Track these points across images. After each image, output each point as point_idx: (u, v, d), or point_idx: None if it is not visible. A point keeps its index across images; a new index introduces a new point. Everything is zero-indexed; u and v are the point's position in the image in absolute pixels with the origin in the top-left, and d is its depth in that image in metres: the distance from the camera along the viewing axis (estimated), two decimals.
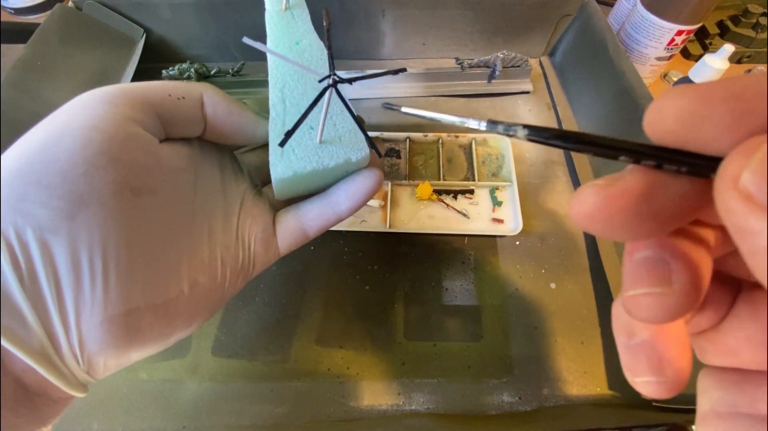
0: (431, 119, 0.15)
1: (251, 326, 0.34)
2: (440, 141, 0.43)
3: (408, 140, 0.43)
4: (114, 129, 0.16)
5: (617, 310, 0.13)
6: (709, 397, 0.12)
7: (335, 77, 0.18)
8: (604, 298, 0.35)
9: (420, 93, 0.48)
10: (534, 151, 0.44)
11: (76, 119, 0.16)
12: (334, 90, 0.19)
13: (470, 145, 0.43)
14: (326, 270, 0.37)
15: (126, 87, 0.18)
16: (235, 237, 0.21)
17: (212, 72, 0.47)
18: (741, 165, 0.08)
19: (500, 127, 0.12)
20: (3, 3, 0.48)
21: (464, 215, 0.39)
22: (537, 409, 0.31)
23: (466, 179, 0.41)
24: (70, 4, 0.45)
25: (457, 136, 0.43)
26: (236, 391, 0.32)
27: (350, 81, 0.19)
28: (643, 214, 0.10)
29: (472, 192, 0.40)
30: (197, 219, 0.19)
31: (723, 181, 0.08)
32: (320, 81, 0.19)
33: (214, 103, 0.20)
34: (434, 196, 0.39)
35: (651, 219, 0.10)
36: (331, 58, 0.19)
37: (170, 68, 0.46)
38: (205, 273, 0.19)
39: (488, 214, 0.39)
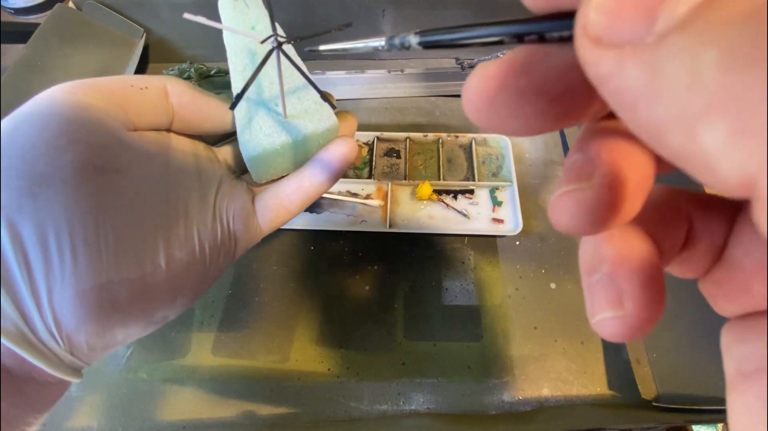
0: (344, 50, 0.15)
1: (251, 326, 0.34)
2: (440, 141, 0.43)
3: (408, 140, 0.43)
4: (73, 113, 0.17)
5: (581, 250, 0.11)
6: (732, 357, 0.10)
7: (278, 38, 0.18)
8: None
9: (420, 93, 0.48)
10: (534, 151, 0.44)
11: (36, 107, 0.17)
12: (280, 52, 0.18)
13: (470, 144, 0.43)
14: (326, 270, 0.37)
15: (86, 80, 0.19)
16: (212, 215, 0.21)
17: (212, 72, 0.47)
18: (586, 9, 0.07)
19: (396, 40, 0.11)
20: (3, 3, 0.48)
21: (464, 215, 0.39)
22: (537, 409, 0.31)
23: (466, 179, 0.41)
24: (70, 4, 0.45)
25: (457, 136, 0.43)
26: (236, 391, 0.32)
27: (293, 41, 0.19)
28: (526, 90, 0.09)
29: (472, 192, 0.40)
30: (171, 198, 0.20)
31: (576, 33, 0.07)
32: (262, 42, 0.18)
33: (179, 93, 0.21)
34: (434, 196, 0.39)
35: (535, 95, 0.09)
36: (272, 18, 0.19)
37: (170, 68, 0.46)
38: (182, 248, 0.19)
39: (488, 214, 0.39)
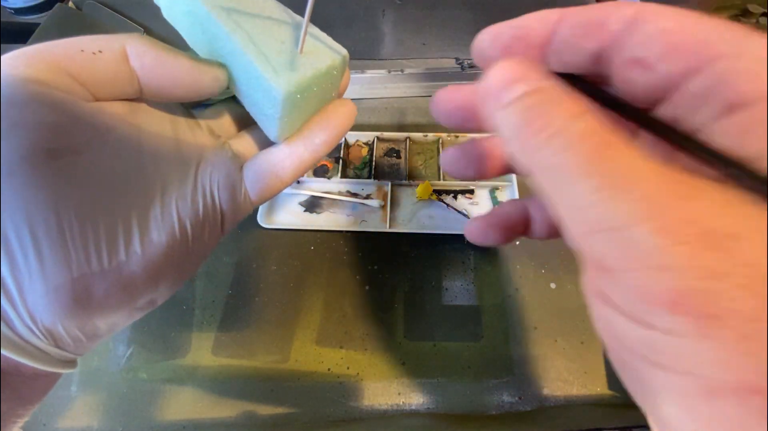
0: None
1: (251, 326, 0.34)
2: (440, 141, 0.43)
3: (408, 140, 0.43)
4: (11, 91, 0.15)
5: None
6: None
7: None
8: None
9: (420, 93, 0.48)
10: None
11: None
12: None
13: None
14: (326, 270, 0.37)
15: (27, 48, 0.16)
16: (192, 188, 0.19)
17: None
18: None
19: None
20: (3, 3, 0.48)
21: (464, 215, 0.39)
22: (537, 409, 0.31)
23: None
24: (70, 4, 0.45)
25: (457, 136, 0.43)
26: (236, 391, 0.32)
27: None
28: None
29: (472, 192, 0.40)
30: (145, 175, 0.18)
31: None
32: None
33: (140, 54, 0.18)
34: (434, 196, 0.39)
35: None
36: None
37: None
38: (159, 229, 0.18)
39: None
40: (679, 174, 0.09)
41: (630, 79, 0.13)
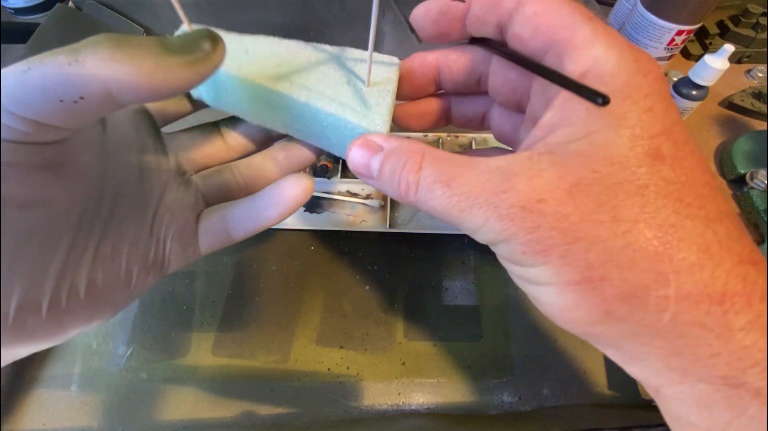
0: None
1: (251, 326, 0.34)
2: (440, 141, 0.43)
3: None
4: None
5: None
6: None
7: None
8: None
9: None
10: None
11: None
12: None
13: (470, 145, 0.43)
14: (326, 270, 0.37)
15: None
16: (148, 233, 0.19)
17: None
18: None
19: None
20: (3, 3, 0.48)
21: None
22: (537, 409, 0.31)
23: None
24: (70, 4, 0.45)
25: (457, 136, 0.43)
26: (236, 391, 0.32)
27: None
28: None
29: None
30: (102, 219, 0.17)
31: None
32: None
33: (127, 90, 0.14)
34: None
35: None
36: None
37: None
38: (106, 272, 0.17)
39: None
40: (492, 163, 0.15)
41: (516, 46, 0.17)
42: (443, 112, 0.24)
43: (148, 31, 0.48)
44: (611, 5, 0.53)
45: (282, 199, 0.21)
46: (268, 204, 0.21)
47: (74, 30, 0.43)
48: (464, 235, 0.38)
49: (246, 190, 0.23)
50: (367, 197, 0.40)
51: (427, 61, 0.22)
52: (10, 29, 0.46)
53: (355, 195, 0.40)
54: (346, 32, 0.48)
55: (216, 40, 0.16)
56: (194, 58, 0.15)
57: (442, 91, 0.24)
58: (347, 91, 0.20)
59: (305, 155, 0.23)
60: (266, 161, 0.23)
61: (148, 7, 0.46)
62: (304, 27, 0.48)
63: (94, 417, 0.31)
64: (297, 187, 0.20)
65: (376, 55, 0.21)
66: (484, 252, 0.38)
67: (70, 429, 0.30)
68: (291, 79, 0.20)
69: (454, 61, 0.21)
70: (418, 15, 0.19)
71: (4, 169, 0.14)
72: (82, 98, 0.14)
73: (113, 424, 0.30)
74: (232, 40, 0.20)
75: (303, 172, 0.22)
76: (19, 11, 0.49)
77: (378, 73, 0.20)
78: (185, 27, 0.20)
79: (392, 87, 0.20)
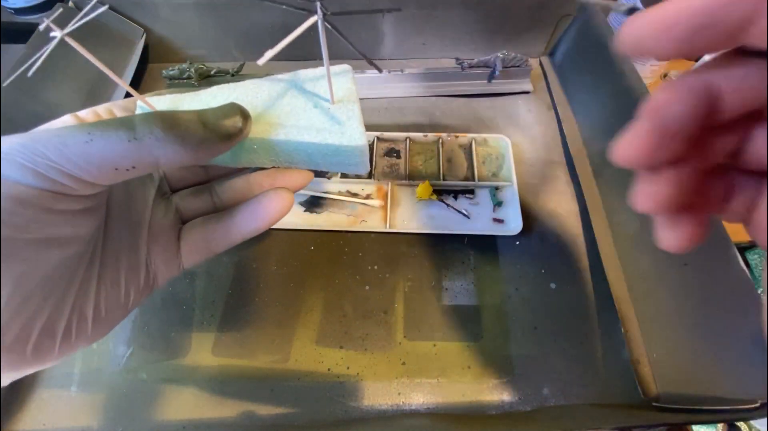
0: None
1: (251, 326, 0.34)
2: (440, 141, 0.43)
3: (408, 140, 0.43)
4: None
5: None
6: None
7: (323, 8, 0.16)
8: (604, 298, 0.35)
9: (420, 93, 0.48)
10: (534, 151, 0.44)
11: None
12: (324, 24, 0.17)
13: (470, 145, 0.43)
14: (326, 270, 0.37)
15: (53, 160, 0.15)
16: (140, 257, 0.20)
17: (212, 72, 0.47)
18: None
19: None
20: (3, 3, 0.48)
21: (464, 215, 0.39)
22: (537, 409, 0.31)
23: (466, 179, 0.41)
24: (70, 4, 0.45)
25: (456, 136, 0.43)
26: (236, 391, 0.32)
27: (342, 14, 0.17)
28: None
29: (472, 192, 0.40)
30: (99, 244, 0.19)
31: None
32: (299, 9, 0.17)
33: (173, 161, 0.16)
34: (434, 196, 0.39)
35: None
36: None
37: (170, 68, 0.46)
38: (108, 297, 0.19)
39: (488, 214, 0.39)
40: None
41: None
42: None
43: (148, 31, 0.48)
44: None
45: (262, 215, 0.21)
46: (250, 218, 0.21)
47: (74, 30, 0.43)
48: (464, 235, 0.38)
49: (224, 209, 0.24)
50: (367, 197, 0.40)
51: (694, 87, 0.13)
52: (10, 29, 0.46)
53: (355, 195, 0.40)
54: (346, 32, 0.48)
55: (246, 116, 0.18)
56: (230, 134, 0.17)
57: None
58: (317, 115, 0.20)
59: (295, 181, 0.23)
60: (250, 186, 0.23)
61: (148, 7, 0.46)
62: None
63: (94, 417, 0.31)
64: (278, 202, 0.21)
65: (329, 68, 0.21)
66: (484, 252, 0.38)
67: (70, 429, 0.30)
68: (262, 120, 0.20)
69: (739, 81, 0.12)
70: (643, 28, 0.12)
71: (52, 216, 0.15)
72: (134, 167, 0.16)
73: (113, 424, 0.30)
74: (192, 100, 0.21)
75: (284, 189, 0.22)
76: (19, 11, 0.49)
77: (337, 86, 0.21)
78: (141, 103, 0.20)
79: (355, 97, 0.21)
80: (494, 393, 0.31)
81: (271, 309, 0.35)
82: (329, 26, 0.17)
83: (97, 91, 0.44)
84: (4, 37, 0.46)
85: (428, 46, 0.50)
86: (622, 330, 0.33)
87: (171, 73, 0.46)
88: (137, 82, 0.48)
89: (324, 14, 0.17)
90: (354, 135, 0.19)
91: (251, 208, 0.21)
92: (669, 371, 0.31)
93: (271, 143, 0.20)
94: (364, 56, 0.19)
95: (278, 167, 0.22)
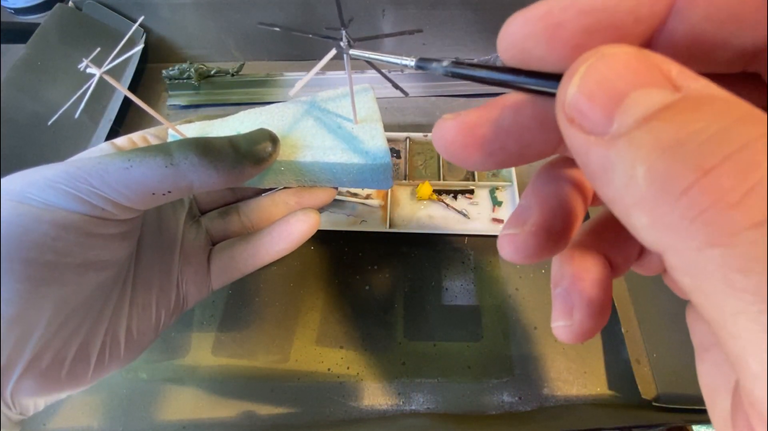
0: (375, 59, 0.16)
1: (251, 326, 0.34)
2: None
3: (408, 140, 0.43)
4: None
5: (552, 266, 0.14)
6: (694, 333, 0.12)
7: (347, 37, 0.17)
8: None
9: (420, 93, 0.48)
10: None
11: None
12: (347, 55, 0.17)
13: None
14: (326, 270, 0.37)
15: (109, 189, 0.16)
16: (172, 281, 0.21)
17: (212, 72, 0.47)
18: (565, 87, 0.08)
19: (429, 64, 0.13)
20: (3, 3, 0.48)
21: (464, 215, 0.39)
22: (537, 409, 0.31)
23: (466, 179, 0.41)
24: (70, 4, 0.45)
25: None
26: (236, 391, 0.32)
27: (358, 40, 0.18)
28: (499, 138, 0.11)
29: (472, 192, 0.40)
30: (131, 267, 0.19)
31: (557, 104, 0.09)
32: (326, 38, 0.17)
33: (207, 186, 0.17)
34: (434, 196, 0.39)
35: (509, 141, 0.11)
36: (340, 10, 0.18)
37: (170, 68, 0.46)
38: (140, 320, 0.19)
39: (488, 213, 0.39)
40: None
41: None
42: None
43: (148, 31, 0.48)
44: None
45: (290, 235, 0.22)
46: (278, 239, 0.22)
47: (74, 30, 0.43)
48: (464, 235, 0.38)
49: (251, 229, 0.24)
50: (367, 197, 0.40)
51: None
52: (10, 29, 0.46)
53: (355, 195, 0.40)
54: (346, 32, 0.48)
55: (275, 141, 0.19)
56: (260, 158, 0.18)
57: None
58: (342, 135, 0.21)
59: (320, 198, 0.24)
60: (276, 205, 0.24)
61: (148, 7, 0.46)
62: (304, 27, 0.48)
63: (94, 417, 0.31)
64: (305, 223, 0.22)
65: (352, 86, 0.22)
66: (484, 252, 0.38)
67: (70, 429, 0.30)
68: (288, 143, 0.21)
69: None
70: (518, 32, 0.10)
71: (92, 240, 0.16)
72: (170, 192, 0.17)
73: (113, 424, 0.30)
74: (220, 126, 0.22)
75: (311, 210, 0.23)
76: (19, 11, 0.49)
77: (359, 106, 0.22)
78: (172, 132, 0.21)
79: (377, 115, 0.21)
80: (494, 393, 0.31)
81: (271, 309, 0.35)
82: (355, 54, 0.18)
83: (96, 92, 0.44)
84: (4, 37, 0.46)
85: (428, 46, 0.50)
86: (622, 330, 0.33)
87: (171, 73, 0.46)
88: (137, 83, 0.48)
89: (349, 42, 0.17)
90: (379, 153, 0.20)
91: (279, 230, 0.22)
92: (669, 371, 0.31)
93: (298, 165, 0.20)
94: (391, 81, 0.19)
95: (303, 185, 0.23)
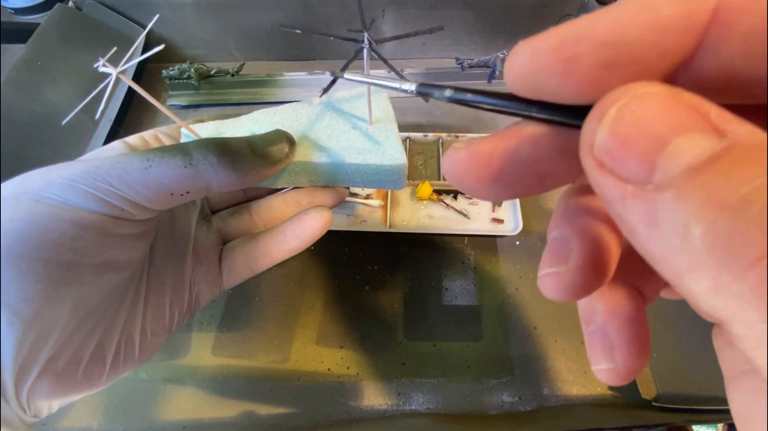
0: (368, 83, 0.15)
1: (251, 326, 0.34)
2: (440, 141, 0.43)
3: (408, 140, 0.43)
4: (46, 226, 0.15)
5: (579, 302, 0.13)
6: (724, 359, 0.11)
7: (369, 38, 0.17)
8: None
9: None
10: None
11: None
12: (370, 51, 0.18)
13: None
14: (326, 270, 0.37)
15: (121, 187, 0.16)
16: (185, 281, 0.21)
17: (212, 72, 0.47)
18: (593, 129, 0.08)
19: (428, 90, 0.12)
20: (3, 3, 0.48)
21: (464, 215, 0.39)
22: (537, 409, 0.31)
23: None
24: (70, 4, 0.45)
25: (456, 136, 0.43)
26: (236, 391, 0.32)
27: (379, 42, 0.18)
28: (514, 169, 0.10)
29: None
30: (145, 268, 0.19)
31: (582, 145, 0.08)
32: (354, 40, 0.18)
33: (224, 186, 0.17)
34: (434, 196, 0.39)
35: (524, 172, 0.10)
36: (362, 12, 0.18)
37: (170, 68, 0.46)
38: (154, 321, 0.19)
39: (488, 213, 0.39)
40: None
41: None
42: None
43: (148, 31, 0.48)
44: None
45: (303, 233, 0.22)
46: (291, 237, 0.22)
47: (74, 30, 0.43)
48: (464, 235, 0.38)
49: (263, 228, 0.24)
50: (367, 197, 0.40)
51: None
52: (10, 29, 0.46)
53: (354, 195, 0.40)
54: (346, 32, 0.48)
55: (292, 142, 0.19)
56: (277, 159, 0.18)
57: None
58: (357, 136, 0.21)
59: (332, 198, 0.24)
60: (288, 205, 0.24)
61: (148, 7, 0.46)
62: (305, 27, 0.48)
63: (94, 417, 0.31)
64: (318, 221, 0.22)
65: (365, 87, 0.22)
66: (484, 252, 0.38)
67: (70, 429, 0.30)
68: (304, 143, 0.21)
69: None
70: (525, 65, 0.09)
71: (110, 240, 0.16)
72: (188, 192, 0.16)
73: (113, 424, 0.30)
74: (234, 125, 0.22)
75: (324, 208, 0.23)
76: (19, 11, 0.49)
77: (374, 107, 0.22)
78: (185, 131, 0.21)
79: (392, 116, 0.21)
80: (494, 393, 0.31)
81: (271, 309, 0.35)
82: (374, 54, 0.18)
83: (96, 92, 0.44)
84: (4, 37, 0.46)
85: (428, 46, 0.50)
86: None
87: (171, 73, 0.46)
88: (137, 83, 0.48)
89: (370, 43, 0.17)
90: (394, 154, 0.20)
91: (292, 227, 0.22)
92: (669, 371, 0.31)
93: (314, 165, 0.20)
94: (400, 75, 0.20)
95: (316, 185, 0.23)
